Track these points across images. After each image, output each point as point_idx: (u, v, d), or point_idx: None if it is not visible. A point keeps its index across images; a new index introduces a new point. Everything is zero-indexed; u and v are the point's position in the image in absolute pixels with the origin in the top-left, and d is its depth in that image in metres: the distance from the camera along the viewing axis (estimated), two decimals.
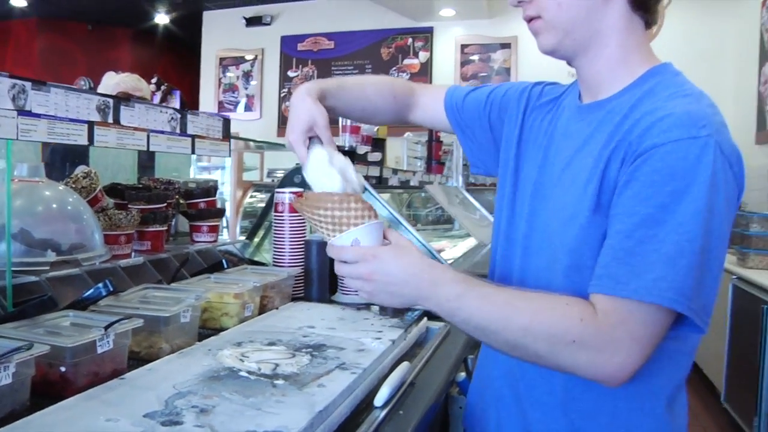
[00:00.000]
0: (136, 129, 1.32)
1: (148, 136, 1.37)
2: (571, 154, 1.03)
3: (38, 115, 1.08)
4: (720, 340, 4.00)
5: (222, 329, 1.50)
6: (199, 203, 2.05)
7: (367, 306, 1.78)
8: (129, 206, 1.76)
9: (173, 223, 2.12)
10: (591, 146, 0.99)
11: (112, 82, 2.85)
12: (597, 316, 0.87)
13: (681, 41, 6.80)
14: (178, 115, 1.46)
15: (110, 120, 1.25)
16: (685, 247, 0.83)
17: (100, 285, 1.25)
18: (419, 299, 0.95)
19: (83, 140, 1.17)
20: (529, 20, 1.03)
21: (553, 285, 0.98)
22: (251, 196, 6.93)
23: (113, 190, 1.85)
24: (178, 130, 1.48)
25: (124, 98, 1.26)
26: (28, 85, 1.07)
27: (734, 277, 3.84)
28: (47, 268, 1.30)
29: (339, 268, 0.98)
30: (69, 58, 8.89)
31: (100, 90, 2.83)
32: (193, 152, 1.53)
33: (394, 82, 1.38)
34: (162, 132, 1.42)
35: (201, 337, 1.42)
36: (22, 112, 1.06)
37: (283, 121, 8.32)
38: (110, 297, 1.30)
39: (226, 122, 1.69)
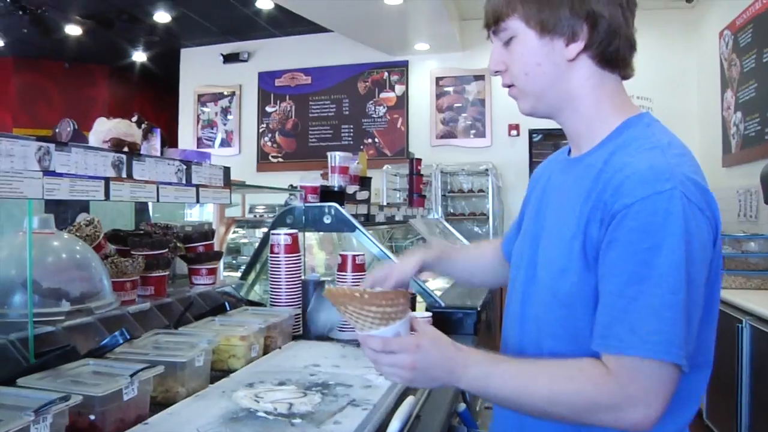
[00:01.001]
0: (146, 182, 1.39)
1: (157, 188, 1.43)
2: (557, 207, 1.11)
3: (61, 175, 1.15)
4: None
5: (230, 371, 1.56)
6: (198, 247, 2.11)
7: None
8: (132, 252, 1.81)
9: (172, 266, 2.17)
10: (572, 200, 1.05)
11: (104, 128, 2.90)
12: (610, 376, 0.93)
13: (647, 71, 7.04)
14: (184, 167, 1.53)
15: (124, 174, 1.31)
16: (669, 299, 0.90)
17: (117, 333, 1.30)
18: (452, 380, 1.02)
19: (100, 196, 1.23)
20: (507, 87, 1.12)
21: (549, 333, 1.06)
22: (234, 232, 6.95)
23: (115, 236, 1.90)
24: (184, 181, 1.54)
25: (137, 153, 1.32)
26: (52, 146, 1.13)
27: None
28: (63, 318, 1.34)
29: (380, 359, 1.02)
30: (45, 96, 8.89)
31: (92, 137, 2.88)
32: (197, 201, 1.59)
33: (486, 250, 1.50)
34: (170, 183, 1.48)
35: (212, 379, 1.47)
36: (48, 173, 1.12)
37: (262, 156, 8.39)
38: (125, 344, 1.35)
39: (227, 170, 1.76)
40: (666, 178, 0.92)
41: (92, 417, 1.04)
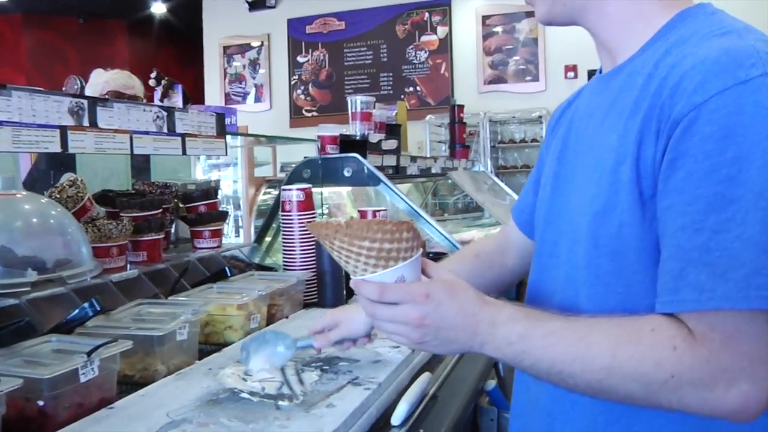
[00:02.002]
0: (116, 131, 1.30)
1: (131, 138, 1.34)
2: (592, 134, 0.92)
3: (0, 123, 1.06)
4: None
5: (226, 344, 1.48)
6: (199, 206, 2.03)
7: None
8: (121, 215, 1.74)
9: (173, 229, 2.10)
10: (613, 119, 0.87)
11: (101, 80, 2.84)
12: (694, 341, 0.74)
13: None
14: (165, 113, 1.44)
15: (86, 123, 1.22)
16: (758, 231, 0.71)
17: (86, 305, 1.23)
18: (475, 345, 0.83)
19: (55, 147, 1.15)
20: None
21: (591, 296, 0.88)
22: (265, 193, 6.94)
23: (103, 197, 1.83)
24: (165, 130, 1.45)
25: (101, 98, 1.23)
26: None
27: None
28: (27, 288, 1.28)
29: (378, 311, 0.84)
30: (60, 56, 8.96)
31: (88, 89, 2.83)
32: (184, 153, 1.50)
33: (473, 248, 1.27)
34: (147, 133, 1.39)
35: (202, 354, 1.40)
36: None
37: (295, 110, 8.31)
38: (100, 317, 1.28)
39: (220, 117, 1.66)
40: (752, 63, 0.74)
41: (40, 403, 0.96)
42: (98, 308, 1.24)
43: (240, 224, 6.67)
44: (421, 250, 0.86)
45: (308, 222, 2.00)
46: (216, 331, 1.51)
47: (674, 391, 0.75)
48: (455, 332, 0.82)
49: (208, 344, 1.50)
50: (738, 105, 0.73)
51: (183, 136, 1.50)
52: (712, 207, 0.73)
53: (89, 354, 1.02)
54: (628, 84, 0.87)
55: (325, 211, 3.30)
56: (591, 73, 4.92)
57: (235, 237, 6.80)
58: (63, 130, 1.17)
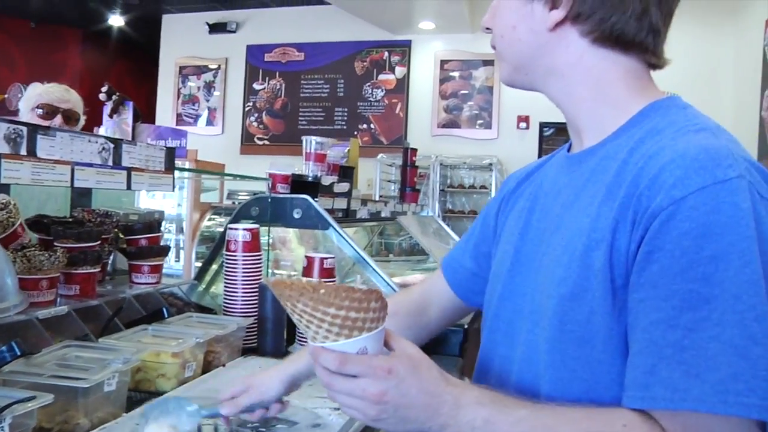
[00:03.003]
0: (57, 162, 1.21)
1: (72, 170, 1.26)
2: (560, 213, 0.91)
3: None
4: None
5: (158, 393, 1.40)
6: (140, 239, 1.93)
7: None
8: (55, 244, 1.64)
9: (111, 260, 2.00)
10: (584, 201, 0.86)
11: (35, 93, 2.72)
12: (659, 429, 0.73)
13: (677, 63, 6.84)
14: (111, 145, 1.36)
15: (23, 152, 1.14)
16: (752, 327, 0.69)
17: (4, 348, 1.13)
18: (435, 426, 0.79)
19: None
20: (492, 47, 1.00)
21: (554, 380, 0.85)
22: (210, 219, 6.78)
23: (37, 224, 1.73)
24: (110, 162, 1.37)
25: (43, 126, 1.15)
26: None
27: None
28: None
29: (335, 382, 0.79)
30: (7, 59, 8.65)
31: (21, 103, 2.70)
32: (128, 187, 1.42)
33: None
34: (90, 165, 1.31)
35: (131, 403, 1.31)
36: None
37: (247, 137, 8.22)
38: (20, 360, 1.18)
39: (170, 152, 1.59)
40: (728, 164, 0.74)
41: None
42: (18, 352, 1.14)
43: (181, 246, 6.50)
44: (385, 321, 0.81)
45: (253, 263, 1.93)
46: (147, 378, 1.42)
47: None
48: (415, 411, 0.79)
49: (138, 391, 1.41)
50: (716, 204, 0.72)
51: (129, 170, 1.43)
52: (688, 304, 0.71)
53: (0, 411, 0.92)
54: (601, 168, 0.86)
55: (269, 246, 3.23)
56: (543, 126, 5.03)
57: (175, 261, 6.61)
58: None
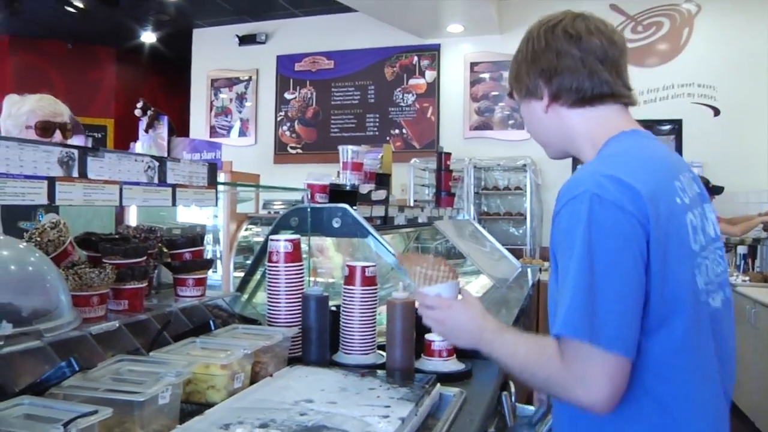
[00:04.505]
0: (106, 182, 1.25)
1: (120, 190, 1.29)
2: None
3: None
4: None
5: (208, 405, 1.42)
6: (184, 254, 1.97)
7: (371, 371, 1.70)
8: (103, 261, 1.68)
9: (155, 274, 2.04)
10: None
11: (24, 109, 2.58)
12: (559, 356, 1.13)
13: (712, 53, 6.76)
14: (157, 164, 1.39)
15: (75, 174, 1.17)
16: (575, 284, 1.11)
17: (63, 364, 1.17)
18: (472, 342, 1.32)
19: (42, 199, 1.10)
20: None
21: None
22: (246, 229, 6.84)
23: (86, 241, 1.77)
24: (156, 180, 1.41)
25: (92, 148, 1.19)
26: None
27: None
28: (1, 343, 1.21)
29: (422, 311, 1.41)
30: (46, 79, 8.86)
31: (6, 122, 2.59)
32: (173, 204, 1.46)
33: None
34: (137, 183, 1.35)
35: (182, 414, 1.34)
36: None
37: (280, 147, 8.30)
38: (77, 375, 1.22)
39: (212, 168, 1.62)
40: (581, 184, 1.16)
41: None
42: (76, 368, 1.18)
43: (219, 257, 6.56)
44: (458, 280, 1.41)
45: (296, 274, 1.95)
46: (198, 390, 1.45)
47: (553, 387, 1.17)
48: (462, 332, 1.35)
49: (189, 403, 1.44)
50: (570, 212, 1.16)
51: (174, 186, 1.46)
52: (562, 275, 1.16)
53: (66, 425, 0.96)
54: None
55: (307, 254, 3.26)
56: None
57: (212, 272, 6.68)
58: (51, 181, 1.12)
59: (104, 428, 1.14)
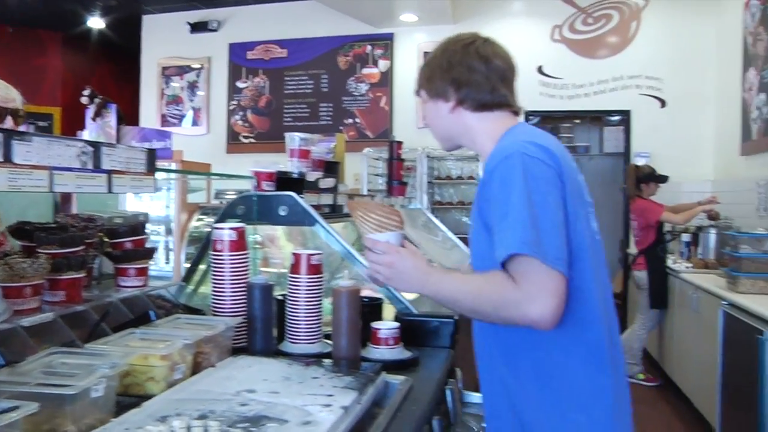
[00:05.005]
0: (34, 167, 1.20)
1: (50, 175, 1.24)
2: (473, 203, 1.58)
3: None
4: (712, 373, 3.97)
5: (147, 397, 1.38)
6: (125, 243, 1.92)
7: (316, 360, 1.67)
8: (38, 251, 1.62)
9: (97, 265, 1.99)
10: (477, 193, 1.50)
11: None
12: (510, 278, 1.31)
13: (657, 46, 6.88)
14: (90, 149, 1.34)
15: None
16: (518, 216, 1.31)
17: None
18: (417, 286, 1.47)
19: None
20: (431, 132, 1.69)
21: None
22: (198, 219, 6.72)
23: (20, 231, 1.71)
24: (90, 166, 1.36)
25: (18, 131, 1.14)
26: None
27: (724, 302, 3.81)
28: None
29: (370, 255, 1.50)
30: None
31: None
32: (109, 191, 1.41)
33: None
34: (69, 169, 1.30)
35: (119, 407, 1.30)
36: None
37: (232, 136, 8.19)
38: (4, 369, 1.17)
39: (151, 153, 1.57)
40: (510, 146, 1.41)
41: None
42: (2, 362, 1.13)
43: (171, 248, 6.44)
44: (403, 230, 1.51)
45: (241, 263, 1.92)
46: (137, 382, 1.41)
47: (506, 309, 1.31)
48: (409, 276, 1.46)
49: (128, 396, 1.40)
50: (504, 168, 1.38)
51: (109, 173, 1.41)
52: (502, 216, 1.35)
53: None
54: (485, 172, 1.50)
55: (258, 244, 3.21)
56: (528, 114, 5.02)
57: (165, 263, 6.56)
58: None
59: (32, 424, 1.10)
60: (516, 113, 1.64)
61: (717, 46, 6.65)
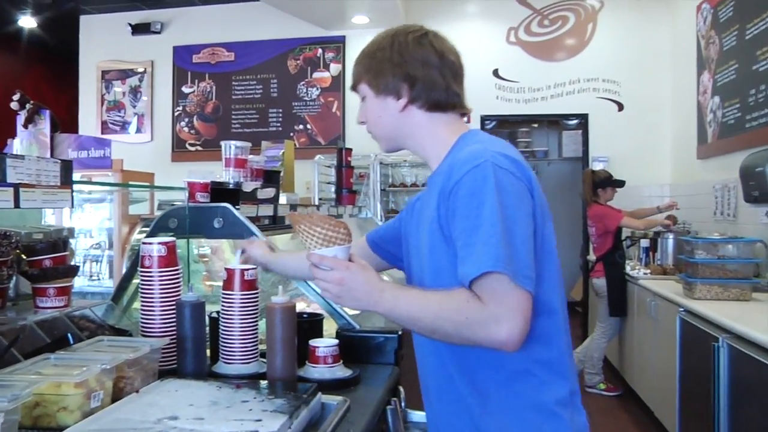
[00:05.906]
0: None
1: None
2: (421, 211, 1.57)
3: None
4: (671, 381, 4.02)
5: (59, 429, 1.32)
6: (44, 260, 1.85)
7: (248, 382, 1.63)
8: None
9: (12, 285, 1.91)
10: (432, 201, 1.45)
11: None
12: (476, 297, 1.26)
13: (614, 50, 7.00)
14: None
15: None
16: (491, 231, 1.27)
17: None
18: (370, 303, 1.37)
19: None
20: (369, 133, 1.62)
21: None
22: (140, 232, 6.59)
23: None
24: None
25: None
26: None
27: (681, 309, 3.87)
28: None
29: (317, 272, 1.39)
30: None
31: None
32: (17, 205, 1.35)
33: None
34: None
35: None
36: None
37: (178, 144, 8.07)
38: None
39: (66, 164, 1.52)
40: (479, 156, 1.35)
41: None
42: None
43: (108, 260, 6.29)
44: (351, 242, 1.41)
45: (172, 280, 1.87)
46: (47, 413, 1.35)
47: (469, 329, 1.27)
48: (361, 293, 1.36)
49: (38, 429, 1.34)
50: (474, 177, 1.33)
51: (16, 186, 1.35)
52: (471, 230, 1.30)
53: None
54: (438, 182, 1.45)
55: (203, 258, 3.15)
56: (484, 119, 5.03)
57: (109, 279, 6.41)
58: None
59: None
60: (464, 115, 1.59)
61: (672, 50, 6.79)
